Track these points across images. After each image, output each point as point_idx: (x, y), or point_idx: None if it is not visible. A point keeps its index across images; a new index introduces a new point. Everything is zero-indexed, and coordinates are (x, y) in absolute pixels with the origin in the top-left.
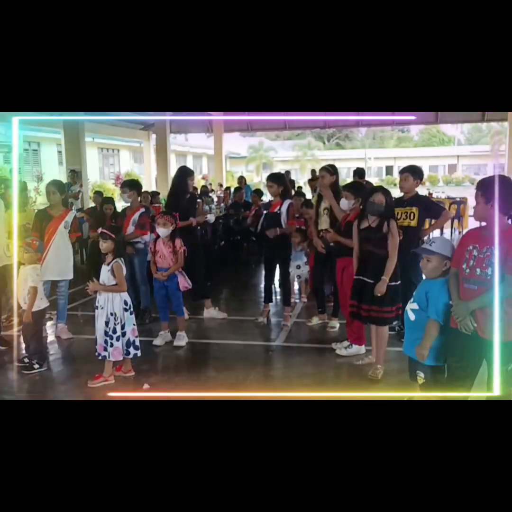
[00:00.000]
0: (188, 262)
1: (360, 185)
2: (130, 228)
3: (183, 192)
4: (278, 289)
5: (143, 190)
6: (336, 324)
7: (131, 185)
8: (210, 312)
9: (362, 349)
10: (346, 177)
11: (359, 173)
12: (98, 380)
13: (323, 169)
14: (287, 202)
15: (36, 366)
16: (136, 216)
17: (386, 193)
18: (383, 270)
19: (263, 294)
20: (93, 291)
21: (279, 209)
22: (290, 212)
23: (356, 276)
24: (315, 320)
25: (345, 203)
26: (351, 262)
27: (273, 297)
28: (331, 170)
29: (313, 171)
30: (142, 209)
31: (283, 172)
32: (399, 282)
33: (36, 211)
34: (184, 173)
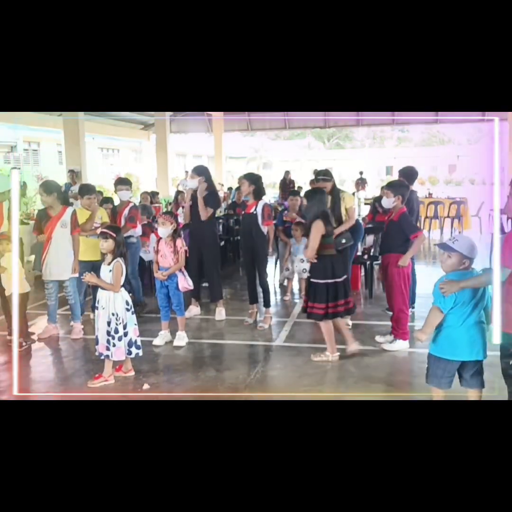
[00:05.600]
0: (200, 263)
1: (400, 183)
2: (122, 223)
3: None
4: (278, 289)
5: (143, 191)
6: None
7: (128, 183)
8: (222, 313)
9: (406, 344)
10: (346, 177)
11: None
12: (98, 380)
13: (321, 180)
14: (261, 203)
15: (23, 343)
16: (126, 211)
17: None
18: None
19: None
20: (88, 282)
21: (255, 210)
22: (265, 212)
23: None
24: None
25: (386, 201)
26: (396, 257)
27: (274, 297)
28: (328, 177)
29: (315, 172)
30: (132, 204)
31: (285, 171)
32: (322, 280)
33: (36, 211)
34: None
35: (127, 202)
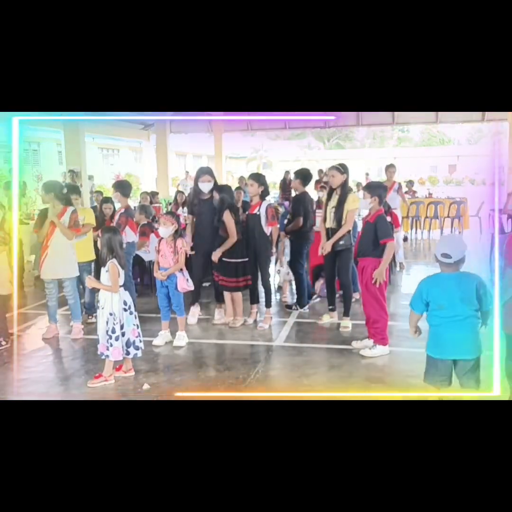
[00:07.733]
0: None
1: (377, 184)
2: None
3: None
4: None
5: (143, 191)
6: (348, 323)
7: (120, 186)
8: (222, 313)
9: (386, 349)
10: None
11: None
12: (98, 380)
13: (333, 168)
14: (265, 203)
15: (3, 343)
16: (116, 216)
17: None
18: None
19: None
20: (90, 286)
21: (258, 210)
22: (269, 213)
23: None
24: (326, 318)
25: (363, 203)
26: (372, 262)
27: (273, 298)
28: (342, 169)
29: (320, 172)
30: (123, 210)
31: (285, 171)
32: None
33: (36, 211)
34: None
35: (123, 207)
